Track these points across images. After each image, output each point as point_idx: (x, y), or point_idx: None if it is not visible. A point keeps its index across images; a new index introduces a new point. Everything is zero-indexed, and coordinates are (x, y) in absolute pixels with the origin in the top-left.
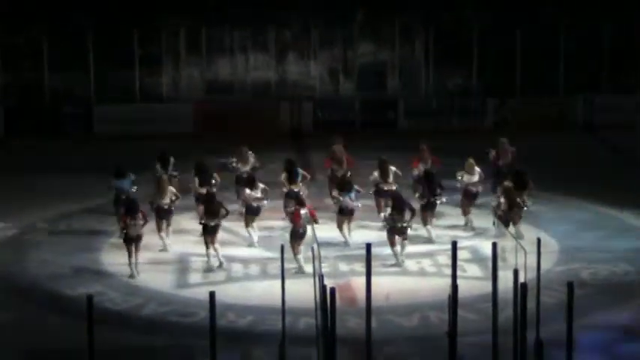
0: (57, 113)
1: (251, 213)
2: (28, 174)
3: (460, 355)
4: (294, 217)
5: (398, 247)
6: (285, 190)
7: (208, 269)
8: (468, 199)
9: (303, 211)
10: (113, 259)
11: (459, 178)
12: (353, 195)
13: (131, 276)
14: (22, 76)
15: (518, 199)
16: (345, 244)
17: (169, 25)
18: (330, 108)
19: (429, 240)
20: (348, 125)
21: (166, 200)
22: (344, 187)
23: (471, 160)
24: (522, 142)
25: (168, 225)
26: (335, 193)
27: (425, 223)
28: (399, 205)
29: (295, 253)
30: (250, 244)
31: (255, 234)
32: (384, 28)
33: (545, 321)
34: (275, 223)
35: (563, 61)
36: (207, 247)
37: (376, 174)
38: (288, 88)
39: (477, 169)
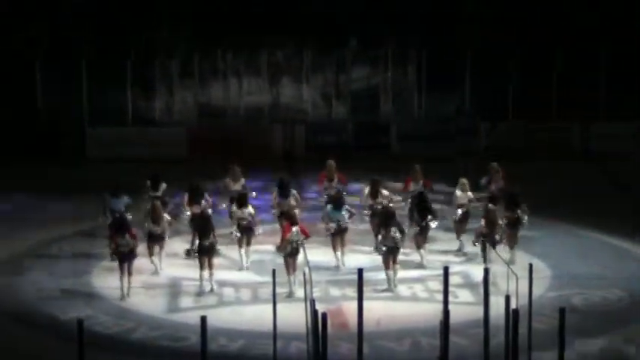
0: (50, 136)
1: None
2: (21, 196)
3: None
4: (283, 231)
5: (391, 272)
6: (273, 210)
7: (200, 292)
8: (460, 221)
9: (294, 228)
10: (104, 282)
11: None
12: (345, 214)
13: (121, 297)
14: (16, 97)
15: (504, 219)
16: (337, 267)
17: (163, 49)
18: (323, 131)
19: (420, 265)
20: (341, 148)
21: (159, 227)
22: (336, 203)
23: (464, 180)
24: (516, 168)
25: (161, 249)
26: (328, 209)
27: (418, 247)
28: (387, 223)
29: (287, 274)
30: (240, 268)
31: (246, 257)
32: (376, 53)
33: (537, 347)
34: (267, 248)
35: (557, 86)
36: (202, 269)
37: (366, 191)
38: (280, 112)
39: (469, 192)
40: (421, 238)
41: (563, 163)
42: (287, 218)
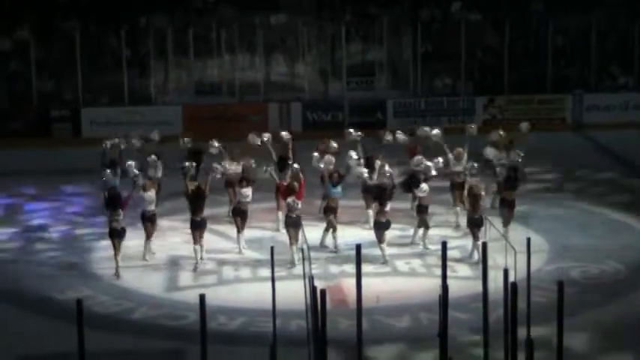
0: (45, 116)
1: (236, 214)
2: (16, 177)
3: (451, 355)
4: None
5: (385, 245)
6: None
7: (195, 267)
8: (458, 189)
9: (290, 199)
10: (103, 262)
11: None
12: (339, 189)
13: (116, 274)
14: (9, 80)
15: (500, 199)
16: (321, 244)
17: (156, 27)
18: (319, 109)
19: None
20: (337, 125)
21: (152, 207)
22: (332, 178)
23: (460, 149)
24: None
25: (152, 230)
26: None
27: (418, 226)
28: (381, 197)
29: (290, 244)
30: (238, 251)
31: (242, 240)
32: (372, 28)
33: (536, 320)
34: (266, 226)
35: (552, 59)
36: (195, 242)
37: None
38: (276, 89)
39: (465, 160)
40: (421, 218)
41: (558, 134)
42: (287, 190)
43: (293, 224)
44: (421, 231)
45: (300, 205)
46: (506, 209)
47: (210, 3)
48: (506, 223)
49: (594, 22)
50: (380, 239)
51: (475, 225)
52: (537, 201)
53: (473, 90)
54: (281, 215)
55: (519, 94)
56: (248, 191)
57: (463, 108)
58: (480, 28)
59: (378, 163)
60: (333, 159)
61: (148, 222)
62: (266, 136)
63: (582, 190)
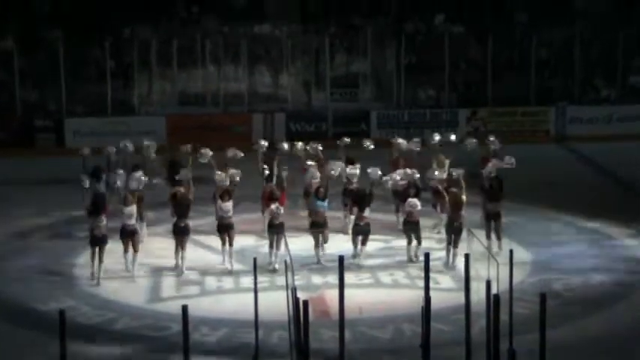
0: (28, 126)
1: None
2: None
3: None
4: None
5: (359, 246)
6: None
7: (178, 273)
8: (441, 197)
9: (273, 206)
10: (85, 273)
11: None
12: (326, 204)
13: (92, 279)
14: None
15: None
16: (317, 262)
17: (140, 38)
18: (303, 119)
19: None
20: (321, 136)
21: (132, 221)
22: (318, 193)
23: (442, 156)
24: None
25: (134, 245)
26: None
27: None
28: (361, 204)
29: (270, 247)
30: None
31: (229, 258)
32: (356, 40)
33: (518, 332)
34: (247, 237)
35: (535, 71)
36: (176, 250)
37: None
38: (260, 100)
39: (447, 167)
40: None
41: (541, 147)
42: (269, 196)
43: (275, 231)
44: (413, 245)
45: (282, 211)
46: (492, 222)
47: (195, 14)
48: (488, 236)
49: (578, 34)
50: (356, 243)
51: (454, 232)
52: (520, 213)
53: (456, 102)
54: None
55: (503, 106)
56: (229, 205)
57: (446, 120)
58: (464, 41)
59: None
60: (317, 172)
61: (128, 237)
62: (262, 143)
63: (565, 202)
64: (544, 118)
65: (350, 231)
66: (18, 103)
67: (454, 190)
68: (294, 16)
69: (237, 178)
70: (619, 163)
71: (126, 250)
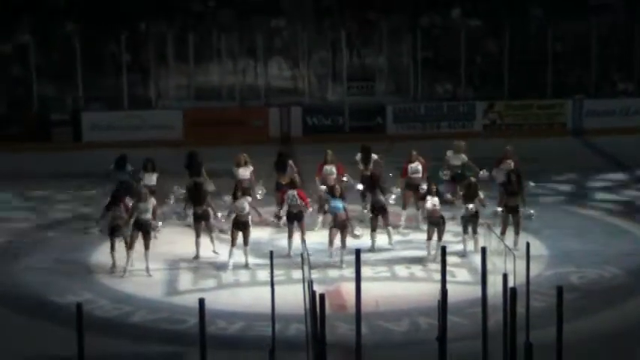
0: (45, 120)
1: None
2: (16, 182)
3: None
4: (280, 198)
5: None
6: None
7: (196, 256)
8: (453, 184)
9: (290, 192)
10: (103, 266)
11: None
12: (340, 204)
13: (112, 267)
14: (9, 84)
15: (503, 207)
16: (331, 255)
17: (156, 32)
18: (319, 113)
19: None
20: (337, 130)
21: (147, 215)
22: (334, 192)
23: (459, 143)
24: (511, 146)
25: (147, 243)
26: (322, 191)
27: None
28: (373, 186)
29: (289, 237)
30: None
31: (245, 256)
32: (372, 34)
33: (535, 325)
34: (264, 230)
35: (552, 64)
36: (197, 236)
37: (358, 157)
38: (276, 94)
39: (464, 155)
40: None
41: (558, 140)
42: (286, 185)
43: (294, 218)
44: (433, 241)
45: (299, 201)
46: (510, 216)
47: (210, 7)
48: (503, 231)
49: (594, 27)
50: (385, 221)
51: (469, 218)
52: (536, 206)
53: (473, 95)
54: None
55: (519, 99)
56: (244, 203)
57: (463, 113)
58: (480, 34)
59: (374, 156)
60: (334, 169)
61: (138, 230)
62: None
63: (582, 195)
64: (560, 111)
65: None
66: (34, 98)
67: (472, 179)
68: (309, 10)
69: (260, 194)
70: (635, 156)
71: (131, 246)
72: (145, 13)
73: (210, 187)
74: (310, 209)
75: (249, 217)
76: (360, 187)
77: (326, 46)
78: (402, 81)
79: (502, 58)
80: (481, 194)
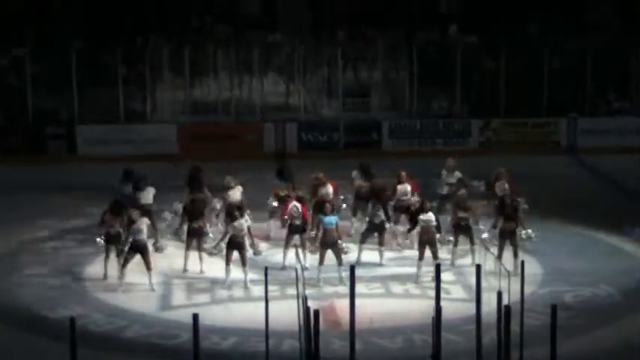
0: (40, 133)
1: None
2: (10, 194)
3: None
4: (283, 211)
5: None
6: (270, 200)
7: (184, 270)
8: (445, 199)
9: (291, 204)
10: (96, 280)
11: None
12: (334, 220)
13: (104, 276)
14: (5, 95)
15: (500, 229)
16: (317, 280)
17: (153, 46)
18: (315, 129)
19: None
20: (332, 147)
21: (143, 236)
22: (322, 209)
23: (451, 160)
24: (506, 164)
25: (147, 263)
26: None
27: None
28: (374, 201)
29: (285, 246)
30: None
31: (244, 275)
32: (368, 49)
33: (529, 343)
34: (255, 243)
35: (548, 82)
36: (186, 249)
37: (353, 174)
38: (272, 109)
39: (457, 172)
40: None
41: (552, 158)
42: (288, 198)
43: (295, 231)
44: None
45: (300, 213)
46: (507, 240)
47: (207, 23)
48: (500, 255)
49: (590, 45)
50: (380, 240)
51: (462, 231)
52: (531, 225)
53: (468, 112)
54: (272, 224)
55: (514, 117)
56: (243, 224)
57: (459, 130)
58: (476, 51)
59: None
60: (330, 189)
61: (135, 252)
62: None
63: (576, 213)
64: (555, 129)
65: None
66: (30, 110)
67: (463, 191)
68: (306, 26)
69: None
70: (630, 175)
71: (124, 265)
72: (142, 27)
73: (215, 204)
74: (309, 227)
75: (245, 238)
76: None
77: (322, 62)
78: (397, 97)
79: (498, 75)
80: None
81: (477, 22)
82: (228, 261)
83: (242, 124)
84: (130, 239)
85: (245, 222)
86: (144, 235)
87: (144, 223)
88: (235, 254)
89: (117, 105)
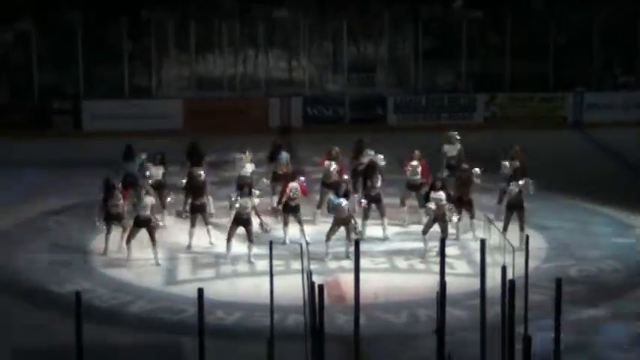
0: (46, 109)
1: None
2: (16, 169)
3: (448, 352)
4: (281, 192)
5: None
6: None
7: (189, 246)
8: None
9: (291, 184)
10: (101, 256)
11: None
12: (343, 201)
13: (104, 251)
14: (10, 71)
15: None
16: (326, 254)
17: (158, 21)
18: (320, 104)
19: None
20: (338, 121)
21: (147, 212)
22: (333, 187)
23: (452, 133)
24: (512, 139)
25: (153, 238)
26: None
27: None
28: (371, 175)
29: (284, 224)
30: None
31: (249, 251)
32: (373, 24)
33: (534, 317)
34: (263, 220)
35: (553, 57)
36: (192, 226)
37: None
38: (277, 84)
39: (459, 145)
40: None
41: (558, 133)
42: (285, 178)
43: (290, 210)
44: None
45: (299, 194)
46: (514, 212)
47: None
48: (506, 227)
49: (596, 19)
50: (381, 212)
51: (464, 206)
52: (536, 199)
53: (473, 87)
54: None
55: (520, 91)
56: (247, 202)
57: (464, 105)
58: (481, 25)
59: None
60: (334, 165)
61: (140, 226)
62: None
63: (581, 188)
64: (561, 104)
65: (362, 200)
66: (35, 86)
67: (465, 166)
68: (311, 1)
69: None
70: (636, 149)
71: (128, 241)
72: (146, 1)
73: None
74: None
75: (251, 215)
76: (364, 203)
77: (327, 37)
78: (402, 72)
79: (504, 49)
80: (476, 180)
81: None
82: (229, 237)
83: (247, 99)
84: (136, 214)
85: (250, 200)
86: (148, 211)
87: (149, 200)
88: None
89: (122, 80)
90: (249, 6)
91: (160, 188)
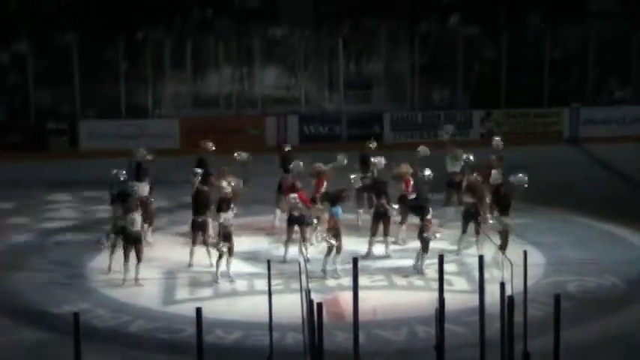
0: (42, 129)
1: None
2: (13, 189)
3: None
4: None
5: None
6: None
7: (189, 265)
8: (452, 188)
9: (292, 195)
10: (100, 276)
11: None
12: (339, 210)
13: (109, 268)
14: (7, 92)
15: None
16: (323, 273)
17: (154, 40)
18: (316, 122)
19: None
20: (334, 139)
21: (137, 227)
22: (329, 198)
23: (455, 148)
24: (508, 154)
25: (139, 254)
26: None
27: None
28: (378, 192)
29: (286, 240)
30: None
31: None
32: (369, 41)
33: (533, 333)
34: (261, 239)
35: (549, 72)
36: (193, 244)
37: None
38: (273, 102)
39: (462, 162)
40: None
41: (554, 148)
42: (288, 189)
43: (295, 222)
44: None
45: (300, 204)
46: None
47: (208, 16)
48: (505, 245)
49: (592, 34)
50: (385, 230)
51: (472, 217)
52: (533, 214)
53: (470, 103)
54: (279, 213)
55: (516, 107)
56: (229, 215)
57: (460, 122)
58: (477, 41)
59: (372, 160)
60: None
61: (131, 244)
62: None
63: (579, 203)
64: (557, 119)
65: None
66: (32, 106)
67: (472, 177)
68: (307, 18)
69: (241, 185)
70: (632, 164)
71: (126, 258)
72: (142, 20)
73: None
74: (311, 211)
75: (232, 228)
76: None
77: (323, 55)
78: (399, 88)
79: (499, 65)
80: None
81: (477, 12)
82: (221, 254)
83: (244, 117)
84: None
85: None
86: (138, 226)
87: (138, 214)
88: None
89: (119, 100)
90: (246, 24)
91: (145, 205)
